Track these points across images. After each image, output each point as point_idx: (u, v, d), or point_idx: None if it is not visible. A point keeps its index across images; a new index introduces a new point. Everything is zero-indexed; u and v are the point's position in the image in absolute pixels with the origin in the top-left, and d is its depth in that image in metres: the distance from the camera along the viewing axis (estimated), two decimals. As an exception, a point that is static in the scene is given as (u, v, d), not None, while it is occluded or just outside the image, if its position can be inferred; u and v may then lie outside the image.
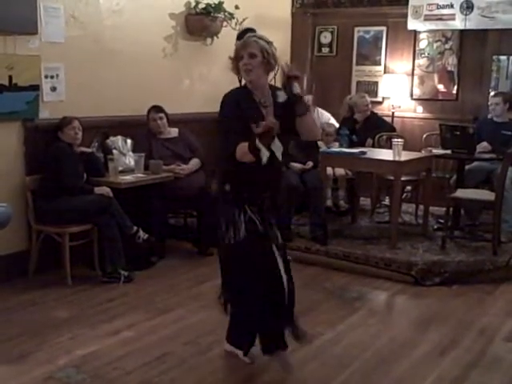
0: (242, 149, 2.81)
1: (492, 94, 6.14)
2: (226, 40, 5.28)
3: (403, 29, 6.72)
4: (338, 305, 4.23)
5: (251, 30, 3.03)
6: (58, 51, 4.63)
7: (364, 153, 5.34)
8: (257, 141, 2.72)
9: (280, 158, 2.95)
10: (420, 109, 6.89)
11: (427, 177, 5.60)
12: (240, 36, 2.99)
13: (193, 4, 5.76)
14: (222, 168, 3.08)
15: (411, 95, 6.89)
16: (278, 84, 3.07)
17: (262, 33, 3.02)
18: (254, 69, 2.87)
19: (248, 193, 2.97)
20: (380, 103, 7.04)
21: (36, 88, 4.46)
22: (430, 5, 6.48)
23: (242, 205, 2.96)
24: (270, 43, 2.93)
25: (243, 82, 2.99)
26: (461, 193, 5.24)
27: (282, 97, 2.91)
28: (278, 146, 2.87)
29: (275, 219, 3.10)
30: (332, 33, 7.34)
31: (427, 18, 6.52)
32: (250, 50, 2.87)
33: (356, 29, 7.17)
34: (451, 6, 6.36)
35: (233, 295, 3.16)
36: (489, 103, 5.92)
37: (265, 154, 2.75)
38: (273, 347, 3.08)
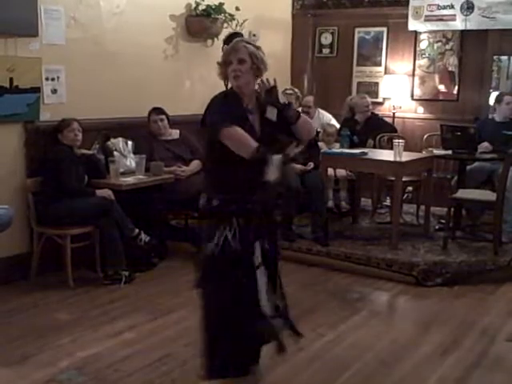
0: (245, 141, 2.63)
1: (497, 93, 6.08)
2: (227, 41, 5.28)
3: (404, 29, 6.72)
4: (339, 306, 4.22)
5: (238, 34, 2.98)
6: (58, 53, 4.64)
7: (365, 153, 5.35)
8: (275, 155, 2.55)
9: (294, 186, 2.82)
10: (421, 109, 6.88)
11: (428, 177, 5.60)
12: (227, 41, 2.92)
13: (193, 6, 5.76)
14: (210, 176, 2.95)
15: (412, 96, 6.88)
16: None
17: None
18: (243, 74, 2.77)
19: (236, 203, 2.81)
20: (381, 104, 7.03)
21: (37, 90, 4.47)
22: (430, 5, 6.47)
23: (229, 218, 2.83)
24: (258, 48, 2.86)
25: (229, 85, 2.89)
26: (462, 193, 5.24)
27: (272, 113, 2.77)
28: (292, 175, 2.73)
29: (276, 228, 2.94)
30: (332, 34, 7.34)
31: (428, 19, 6.52)
32: (240, 56, 2.77)
33: (356, 30, 7.18)
34: (452, 6, 6.36)
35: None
36: (506, 103, 5.69)
37: (273, 173, 2.54)
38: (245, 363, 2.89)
